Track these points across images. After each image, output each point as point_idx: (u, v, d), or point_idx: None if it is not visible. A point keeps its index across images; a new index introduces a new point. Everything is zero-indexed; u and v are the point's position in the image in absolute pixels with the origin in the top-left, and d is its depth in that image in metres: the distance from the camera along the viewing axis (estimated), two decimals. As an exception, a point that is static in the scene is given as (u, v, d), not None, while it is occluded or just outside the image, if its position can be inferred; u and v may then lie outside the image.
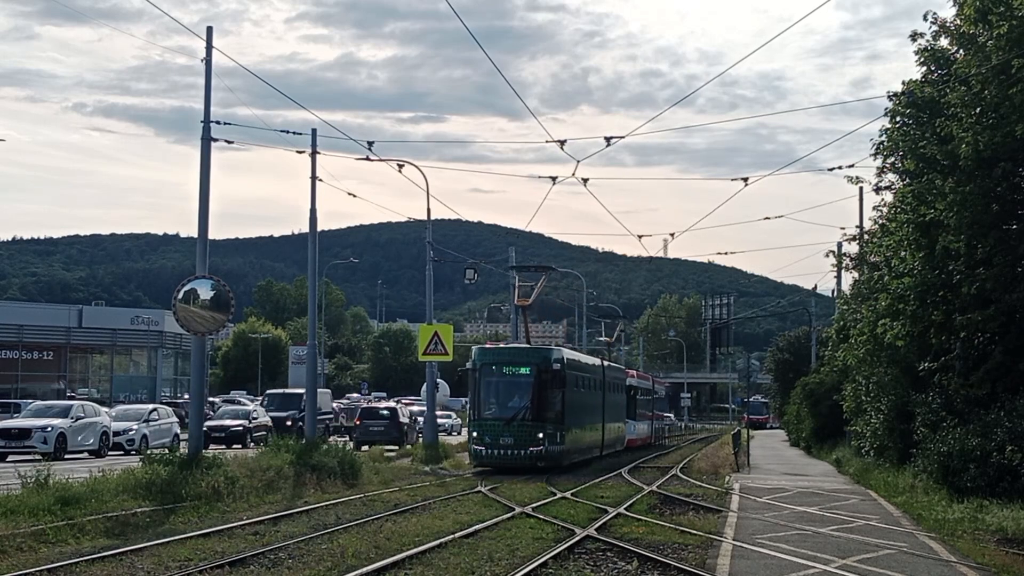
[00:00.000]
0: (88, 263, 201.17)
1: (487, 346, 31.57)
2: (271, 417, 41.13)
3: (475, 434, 27.88)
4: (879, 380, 25.67)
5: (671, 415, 70.35)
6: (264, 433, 38.51)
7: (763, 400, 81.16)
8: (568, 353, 30.63)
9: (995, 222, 19.45)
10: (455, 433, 51.83)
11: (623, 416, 40.33)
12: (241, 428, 38.20)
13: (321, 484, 21.10)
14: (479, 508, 18.01)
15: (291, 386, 57.49)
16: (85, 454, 30.50)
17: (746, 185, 26.35)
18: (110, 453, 31.36)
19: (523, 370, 28.01)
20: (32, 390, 60.53)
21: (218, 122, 22.33)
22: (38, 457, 26.07)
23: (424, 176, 45.46)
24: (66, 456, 28.90)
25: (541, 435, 27.19)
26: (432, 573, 11.23)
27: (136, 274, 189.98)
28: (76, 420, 30.27)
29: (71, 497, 15.61)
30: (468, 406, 29.70)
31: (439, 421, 40.25)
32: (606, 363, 38.10)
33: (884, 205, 25.51)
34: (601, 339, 58.92)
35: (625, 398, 41.12)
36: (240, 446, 35.19)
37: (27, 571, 11.00)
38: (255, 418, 39.93)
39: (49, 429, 29.03)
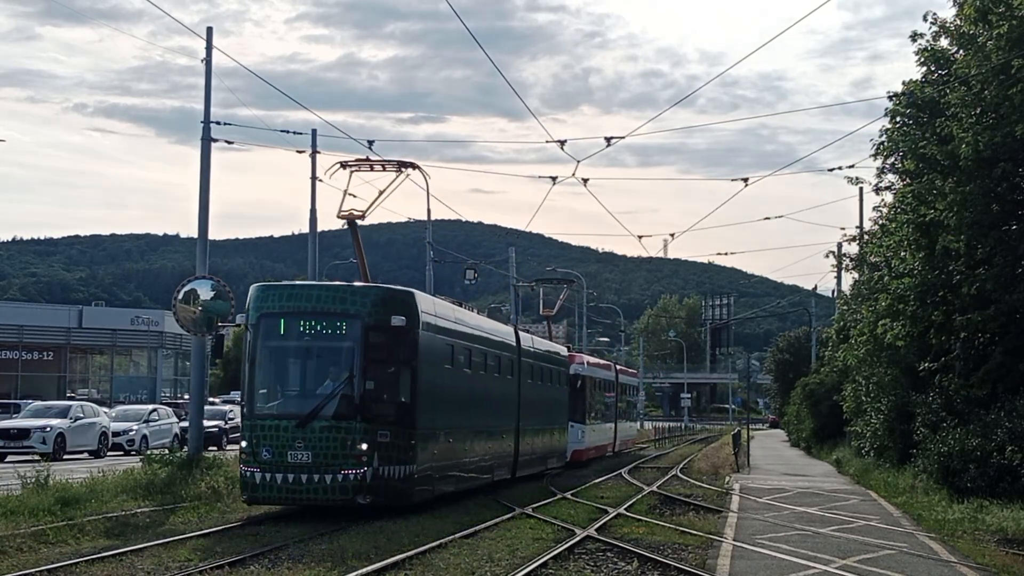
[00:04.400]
0: (88, 263, 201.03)
1: (273, 284, 18.08)
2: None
3: (246, 445, 16.22)
4: (879, 380, 25.70)
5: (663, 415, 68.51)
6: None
7: None
8: (426, 299, 18.48)
9: (995, 222, 19.46)
10: None
11: (563, 418, 29.30)
12: (216, 429, 35.77)
13: (321, 484, 21.04)
14: (479, 508, 18.01)
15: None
16: (84, 455, 30.47)
17: (746, 185, 26.37)
18: (109, 453, 31.36)
19: (334, 326, 16.37)
20: (38, 391, 60.40)
21: (218, 122, 22.42)
22: (37, 457, 26.02)
23: (424, 176, 45.48)
24: (65, 456, 28.88)
25: (366, 446, 15.78)
26: (432, 573, 11.22)
27: (136, 274, 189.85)
28: (75, 421, 30.24)
29: (71, 498, 15.64)
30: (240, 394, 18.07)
31: None
32: (527, 338, 26.27)
33: (884, 205, 25.57)
34: (602, 339, 58.42)
35: (568, 392, 30.07)
36: (216, 448, 32.78)
37: (27, 571, 10.99)
38: (231, 418, 37.77)
39: (48, 429, 29.02)
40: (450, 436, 18.58)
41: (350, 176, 19.13)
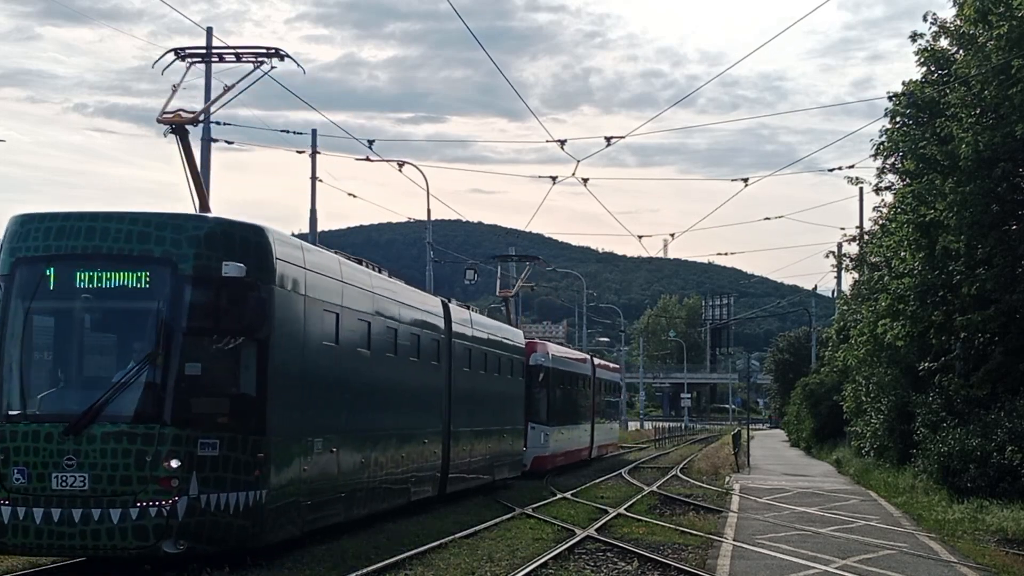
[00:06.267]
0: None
1: (40, 213, 11.41)
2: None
3: None
4: (879, 380, 25.69)
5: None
6: None
7: None
8: (289, 243, 12.64)
9: (995, 222, 19.47)
10: None
11: (518, 417, 24.49)
12: None
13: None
14: (479, 508, 18.01)
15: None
16: None
17: (746, 185, 26.43)
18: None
19: (132, 277, 10.92)
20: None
21: (218, 122, 22.36)
22: None
23: (424, 176, 45.51)
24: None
25: (178, 462, 10.52)
26: (432, 573, 11.22)
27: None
28: None
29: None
30: None
31: None
32: (461, 314, 20.40)
33: (884, 206, 25.63)
34: (602, 339, 58.13)
35: (524, 385, 25.20)
36: None
37: (27, 571, 10.98)
38: None
39: None
40: (332, 444, 13.20)
41: (187, 69, 13.57)
